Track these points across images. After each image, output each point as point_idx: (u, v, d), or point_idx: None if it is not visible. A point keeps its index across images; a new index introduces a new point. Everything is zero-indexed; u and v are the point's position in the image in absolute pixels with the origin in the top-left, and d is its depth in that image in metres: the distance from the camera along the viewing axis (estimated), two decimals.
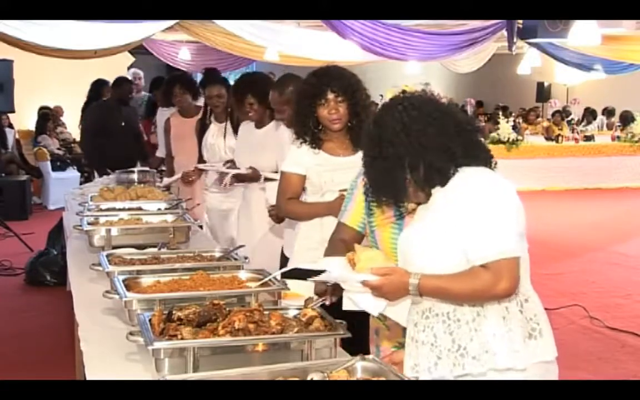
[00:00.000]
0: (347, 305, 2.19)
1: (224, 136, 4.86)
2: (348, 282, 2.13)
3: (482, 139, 2.14)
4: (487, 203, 1.95)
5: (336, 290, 2.28)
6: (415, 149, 2.01)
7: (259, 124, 4.19)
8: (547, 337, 2.06)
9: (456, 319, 2.03)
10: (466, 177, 2.00)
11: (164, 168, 5.92)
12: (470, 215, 1.94)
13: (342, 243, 2.50)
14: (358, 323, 2.45)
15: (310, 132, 3.11)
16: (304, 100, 3.10)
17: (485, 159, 2.07)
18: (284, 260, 3.45)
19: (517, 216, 1.98)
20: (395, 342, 2.52)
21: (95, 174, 7.05)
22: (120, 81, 7.20)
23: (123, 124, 6.93)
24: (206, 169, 4.83)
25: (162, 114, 6.07)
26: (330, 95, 3.03)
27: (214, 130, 4.94)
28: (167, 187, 5.07)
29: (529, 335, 2.04)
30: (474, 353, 2.01)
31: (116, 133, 6.78)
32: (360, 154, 3.08)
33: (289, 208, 3.19)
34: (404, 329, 2.44)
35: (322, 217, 3.08)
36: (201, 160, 4.99)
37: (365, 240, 2.49)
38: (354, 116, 3.07)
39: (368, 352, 2.40)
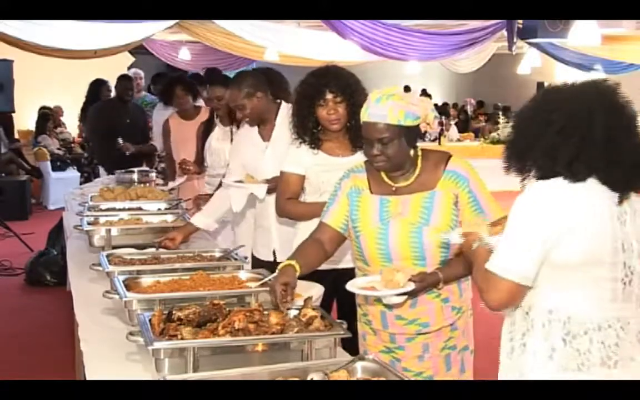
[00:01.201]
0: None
1: (231, 140, 4.40)
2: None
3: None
4: (514, 216, 1.87)
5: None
6: (533, 134, 1.89)
7: None
8: (596, 374, 1.87)
9: (514, 325, 1.97)
10: (533, 185, 1.89)
11: (163, 164, 5.75)
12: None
13: (316, 242, 2.54)
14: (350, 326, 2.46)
15: (309, 132, 3.10)
16: (303, 101, 3.10)
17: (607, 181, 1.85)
18: (256, 262, 3.46)
19: (539, 242, 1.81)
20: (382, 346, 2.51)
21: (101, 172, 7.03)
22: (119, 79, 7.16)
23: (128, 121, 6.88)
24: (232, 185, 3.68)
25: (160, 114, 5.98)
26: (329, 96, 3.02)
27: (219, 133, 4.65)
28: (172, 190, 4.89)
29: (578, 367, 1.87)
30: (516, 363, 1.95)
31: (122, 132, 6.73)
32: (358, 154, 3.09)
33: (287, 208, 3.18)
34: (390, 334, 2.48)
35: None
36: (202, 164, 4.75)
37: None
38: (352, 116, 3.06)
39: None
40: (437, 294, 2.45)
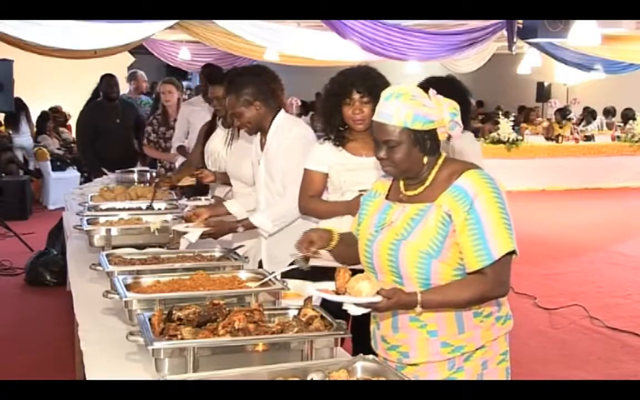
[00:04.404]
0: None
1: (228, 144, 4.24)
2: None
3: None
4: None
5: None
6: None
7: None
8: None
9: None
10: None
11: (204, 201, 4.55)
12: None
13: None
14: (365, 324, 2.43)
15: (335, 129, 3.11)
16: (330, 98, 3.11)
17: None
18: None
19: None
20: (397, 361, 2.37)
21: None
22: (103, 78, 6.93)
23: (118, 121, 6.74)
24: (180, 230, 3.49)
25: (198, 115, 5.37)
26: (356, 96, 3.02)
27: (220, 135, 4.39)
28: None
29: None
30: None
31: (110, 132, 6.63)
32: None
33: (310, 206, 3.19)
34: (383, 358, 2.30)
35: (342, 216, 3.08)
36: (204, 167, 4.46)
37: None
38: None
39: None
40: (421, 324, 2.18)
